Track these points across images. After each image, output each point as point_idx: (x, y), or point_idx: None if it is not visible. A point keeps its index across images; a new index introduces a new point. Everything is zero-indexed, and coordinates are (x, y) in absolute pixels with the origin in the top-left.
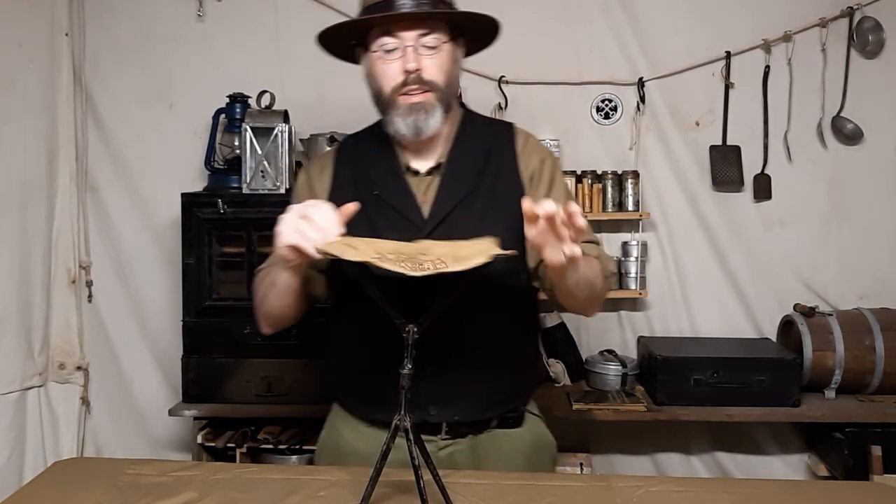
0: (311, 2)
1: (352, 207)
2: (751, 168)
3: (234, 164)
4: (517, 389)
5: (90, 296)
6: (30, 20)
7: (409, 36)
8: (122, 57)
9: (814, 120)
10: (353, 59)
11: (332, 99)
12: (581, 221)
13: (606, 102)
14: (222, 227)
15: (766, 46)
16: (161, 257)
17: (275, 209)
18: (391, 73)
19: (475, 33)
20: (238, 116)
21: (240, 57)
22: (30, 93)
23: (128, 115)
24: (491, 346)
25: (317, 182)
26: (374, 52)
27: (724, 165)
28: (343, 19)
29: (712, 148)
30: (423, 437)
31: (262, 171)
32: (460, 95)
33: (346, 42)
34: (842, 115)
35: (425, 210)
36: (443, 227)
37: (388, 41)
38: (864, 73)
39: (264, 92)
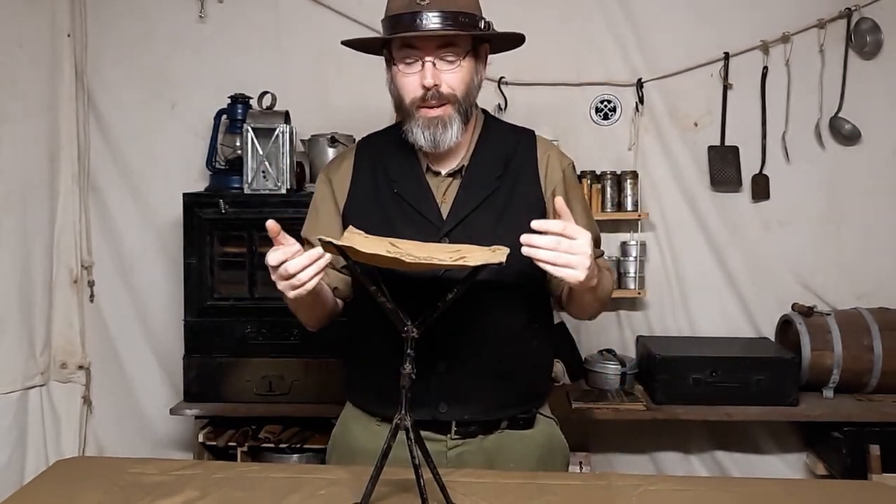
0: (312, 3)
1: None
2: (749, 168)
3: (236, 165)
4: (530, 392)
5: (92, 295)
6: (31, 21)
7: (429, 50)
8: (124, 58)
9: (812, 120)
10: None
11: (333, 100)
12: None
13: (605, 103)
14: (224, 228)
15: (765, 47)
16: (163, 257)
17: (276, 209)
18: (410, 86)
19: (498, 41)
20: (239, 117)
21: (241, 58)
22: (31, 93)
23: (129, 115)
24: (505, 347)
25: (336, 180)
26: (396, 63)
27: (723, 166)
28: (344, 20)
29: (711, 148)
30: (433, 436)
31: (263, 172)
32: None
33: (373, 45)
34: (840, 115)
35: (444, 211)
36: (460, 228)
37: (408, 53)
38: (861, 74)
39: (265, 93)
